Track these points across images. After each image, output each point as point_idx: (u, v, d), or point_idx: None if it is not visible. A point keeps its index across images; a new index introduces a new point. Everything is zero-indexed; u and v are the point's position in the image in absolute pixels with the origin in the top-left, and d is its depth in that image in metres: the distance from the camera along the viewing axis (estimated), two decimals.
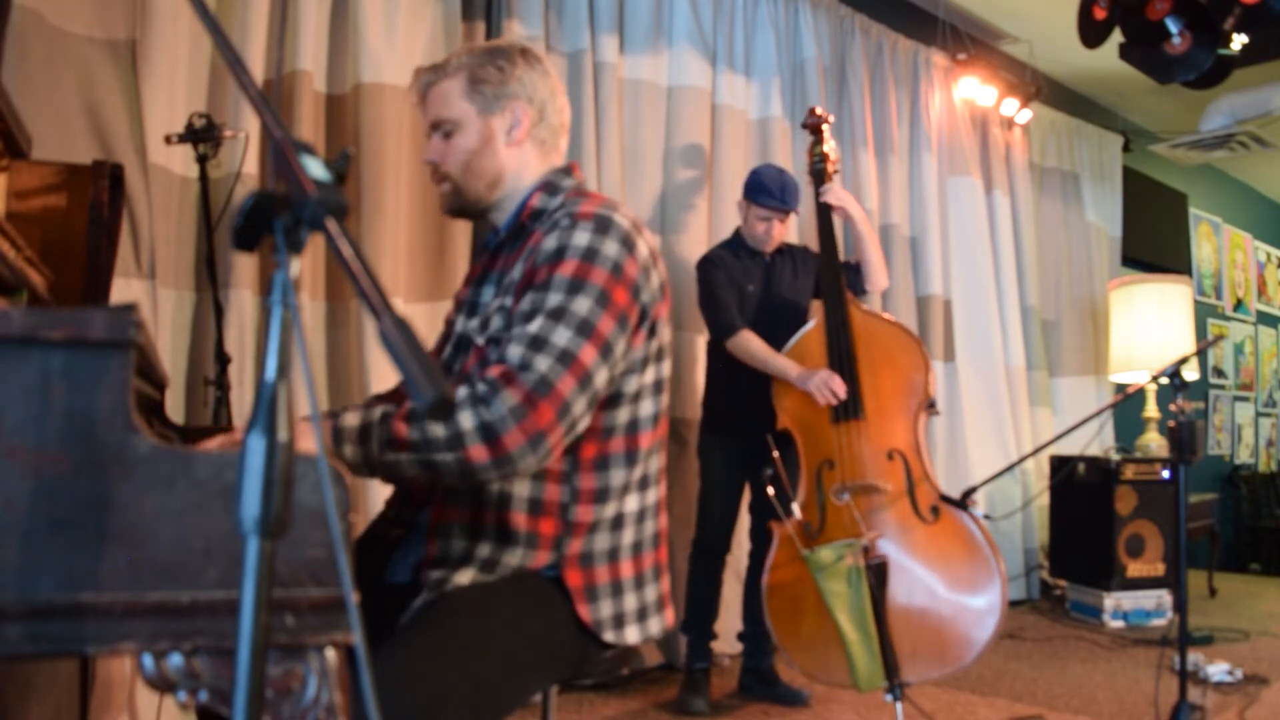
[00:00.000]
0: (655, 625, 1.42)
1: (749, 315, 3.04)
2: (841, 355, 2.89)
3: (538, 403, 1.19)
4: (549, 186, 1.45)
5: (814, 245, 3.26)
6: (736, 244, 3.13)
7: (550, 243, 1.31)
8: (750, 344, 2.95)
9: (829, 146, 3.19)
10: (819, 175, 3.16)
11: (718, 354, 3.08)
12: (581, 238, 1.30)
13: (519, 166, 1.45)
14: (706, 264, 3.09)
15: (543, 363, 1.22)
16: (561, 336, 1.24)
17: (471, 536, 1.32)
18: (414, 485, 1.32)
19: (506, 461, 1.19)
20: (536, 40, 3.25)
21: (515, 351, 1.23)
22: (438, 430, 1.18)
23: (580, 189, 1.47)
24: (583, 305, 1.26)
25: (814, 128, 3.22)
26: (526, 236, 1.41)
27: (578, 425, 1.26)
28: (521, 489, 1.32)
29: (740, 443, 3.04)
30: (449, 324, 1.56)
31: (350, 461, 1.20)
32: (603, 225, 1.32)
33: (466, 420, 1.18)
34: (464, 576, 1.30)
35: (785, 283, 3.13)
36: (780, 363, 2.91)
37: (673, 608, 1.48)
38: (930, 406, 2.87)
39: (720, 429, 3.10)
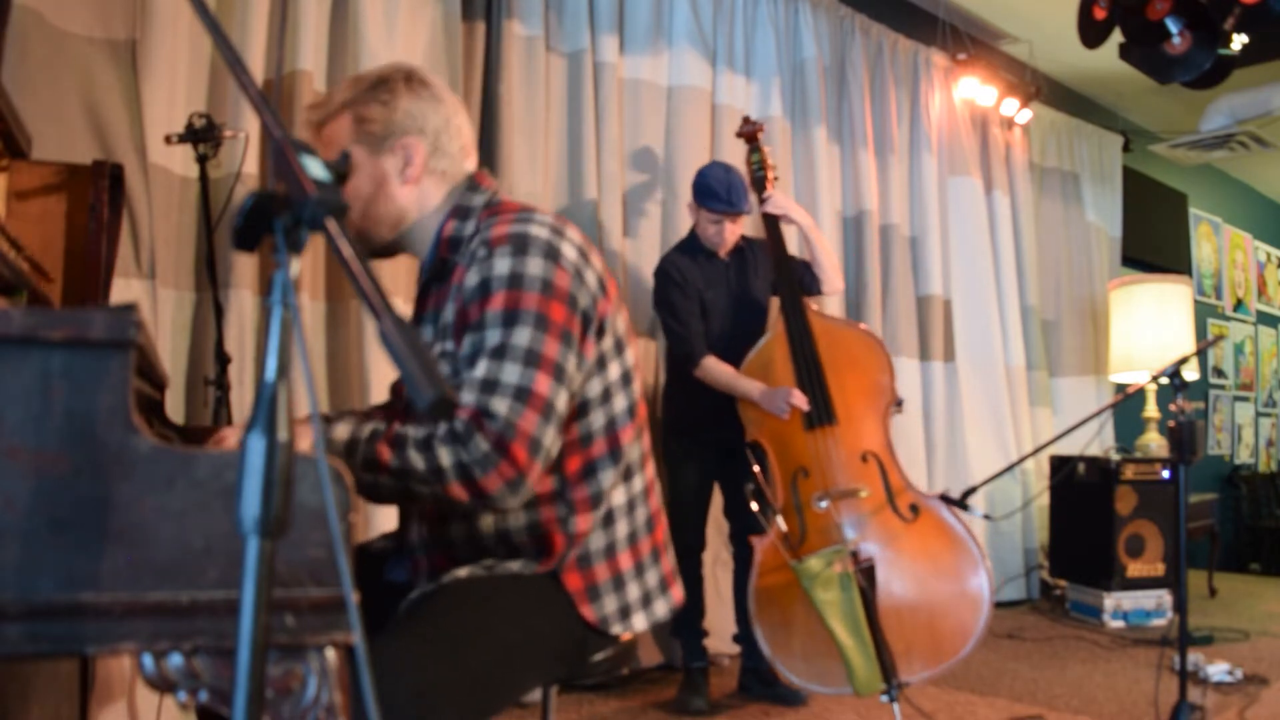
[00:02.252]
0: (662, 607, 1.42)
1: (715, 321, 3.02)
2: (807, 362, 2.88)
3: (508, 446, 1.18)
4: (459, 211, 1.38)
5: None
6: (694, 246, 3.08)
7: (472, 278, 1.27)
8: (713, 371, 2.92)
9: (766, 153, 3.16)
10: (759, 184, 3.13)
11: (678, 360, 3.05)
12: (502, 265, 1.25)
13: (419, 202, 1.39)
14: (662, 277, 3.01)
15: (501, 405, 1.19)
16: (511, 374, 1.21)
17: (474, 556, 1.34)
18: (387, 503, 1.31)
19: (488, 500, 1.20)
20: (536, 40, 3.25)
21: (469, 397, 1.21)
22: (418, 462, 1.18)
23: (491, 203, 1.40)
24: (523, 336, 1.23)
25: (749, 136, 3.20)
26: (450, 271, 1.37)
27: (551, 453, 1.25)
28: (518, 519, 1.32)
29: (707, 447, 3.04)
30: None
31: None
32: (520, 245, 1.26)
33: (445, 457, 1.18)
34: (461, 571, 1.31)
35: (747, 282, 3.10)
36: (744, 385, 2.89)
37: (679, 583, 1.48)
38: (897, 405, 2.87)
39: (686, 434, 3.08)
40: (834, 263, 3.09)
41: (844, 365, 2.89)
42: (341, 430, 1.22)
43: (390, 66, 1.39)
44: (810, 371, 2.87)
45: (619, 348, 1.38)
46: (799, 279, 3.04)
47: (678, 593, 1.46)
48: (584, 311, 1.30)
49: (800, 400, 2.81)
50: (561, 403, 1.25)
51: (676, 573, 1.49)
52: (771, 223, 3.07)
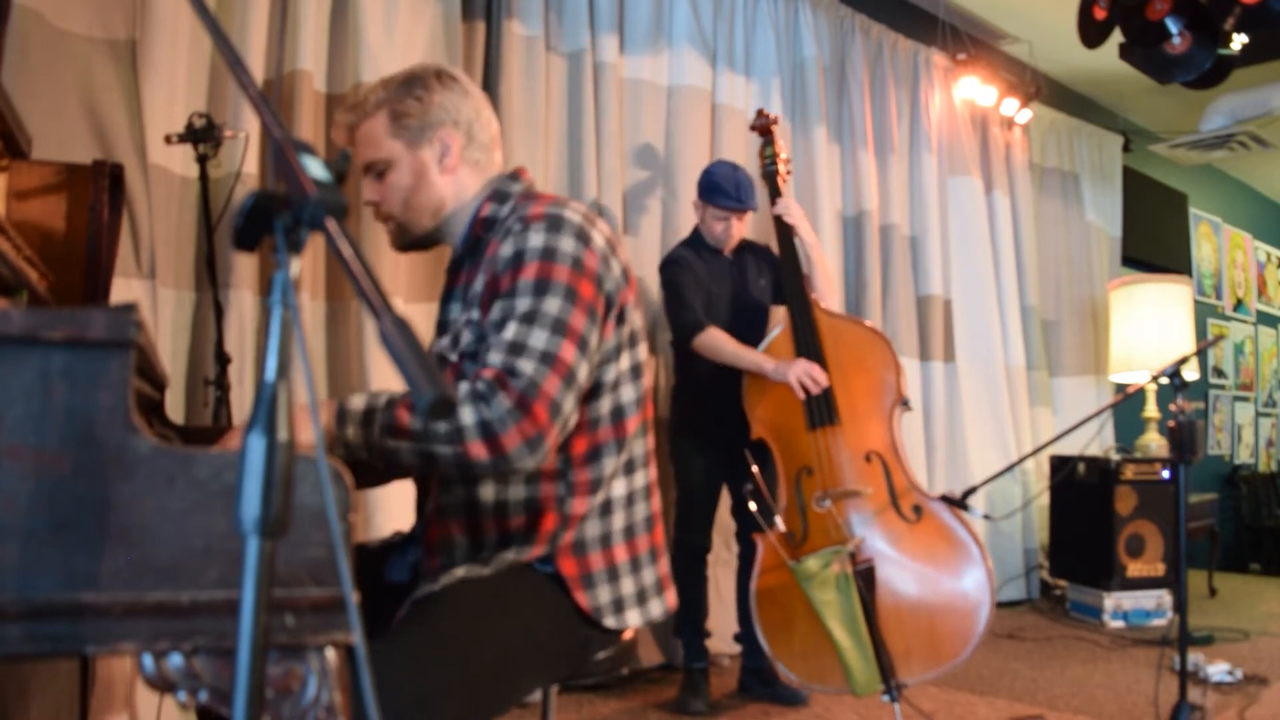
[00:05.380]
0: (656, 607, 1.43)
1: (717, 317, 3.00)
2: (811, 360, 2.85)
3: (530, 405, 1.21)
4: (497, 195, 1.46)
5: (773, 245, 3.17)
6: (698, 243, 3.08)
7: (507, 249, 1.32)
8: (718, 340, 2.90)
9: (779, 147, 3.15)
10: (771, 177, 3.13)
11: (686, 358, 3.04)
12: (537, 239, 1.31)
13: (458, 191, 1.46)
14: (671, 265, 3.03)
15: (527, 366, 1.23)
16: (539, 338, 1.25)
17: (472, 543, 1.34)
18: (409, 472, 1.33)
19: (504, 461, 1.21)
20: (536, 40, 3.25)
21: (497, 358, 1.25)
22: (440, 423, 1.20)
23: (528, 192, 1.47)
24: (552, 305, 1.28)
25: (763, 129, 3.18)
26: (483, 247, 1.42)
27: (569, 422, 1.28)
28: (518, 492, 1.34)
29: (715, 446, 3.03)
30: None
31: (350, 443, 1.22)
32: (555, 224, 1.33)
33: (467, 416, 1.19)
34: (459, 570, 1.31)
35: (750, 282, 3.10)
36: (752, 356, 2.87)
37: (673, 589, 1.49)
38: (904, 404, 2.85)
39: (694, 433, 3.08)
40: (831, 284, 3.08)
41: (849, 364, 2.87)
42: (357, 401, 1.24)
43: (419, 66, 1.47)
44: None
45: (633, 340, 1.42)
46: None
47: (671, 598, 1.47)
48: (608, 295, 1.35)
49: (820, 376, 2.77)
50: (583, 373, 1.29)
51: (672, 578, 1.49)
52: (783, 223, 3.06)
